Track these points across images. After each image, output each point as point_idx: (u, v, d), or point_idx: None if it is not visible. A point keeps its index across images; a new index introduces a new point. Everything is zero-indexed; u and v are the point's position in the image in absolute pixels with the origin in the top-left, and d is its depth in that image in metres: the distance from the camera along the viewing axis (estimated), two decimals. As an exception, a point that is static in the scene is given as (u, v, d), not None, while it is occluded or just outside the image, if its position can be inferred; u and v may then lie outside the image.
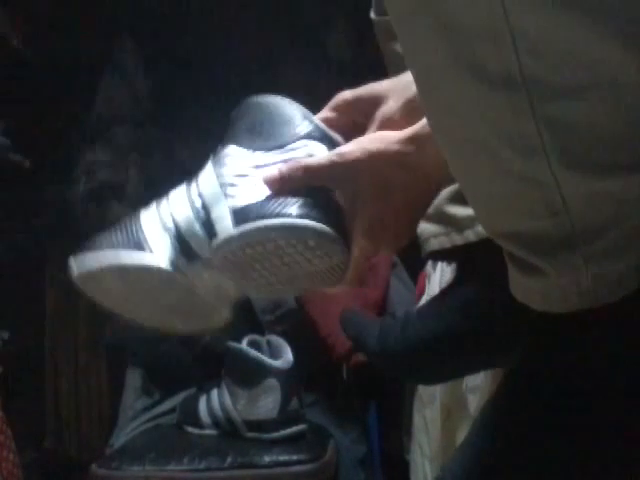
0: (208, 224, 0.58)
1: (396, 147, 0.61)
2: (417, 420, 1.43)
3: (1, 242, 1.88)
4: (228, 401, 1.36)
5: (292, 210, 0.56)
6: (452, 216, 0.85)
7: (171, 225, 0.60)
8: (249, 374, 1.33)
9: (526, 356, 0.61)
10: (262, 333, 1.47)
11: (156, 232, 0.60)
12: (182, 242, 0.59)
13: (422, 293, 1.42)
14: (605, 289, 0.48)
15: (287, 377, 1.31)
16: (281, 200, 0.57)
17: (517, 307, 0.58)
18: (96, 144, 2.00)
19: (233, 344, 1.37)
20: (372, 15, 0.89)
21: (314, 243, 0.57)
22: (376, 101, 0.66)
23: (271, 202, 0.57)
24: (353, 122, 0.67)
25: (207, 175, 0.62)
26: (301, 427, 1.33)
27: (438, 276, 1.30)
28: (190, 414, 1.43)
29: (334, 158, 0.60)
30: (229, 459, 1.28)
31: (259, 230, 0.55)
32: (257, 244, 0.55)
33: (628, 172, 0.45)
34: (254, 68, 2.17)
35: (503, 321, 0.83)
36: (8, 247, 1.90)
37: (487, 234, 0.58)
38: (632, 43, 0.42)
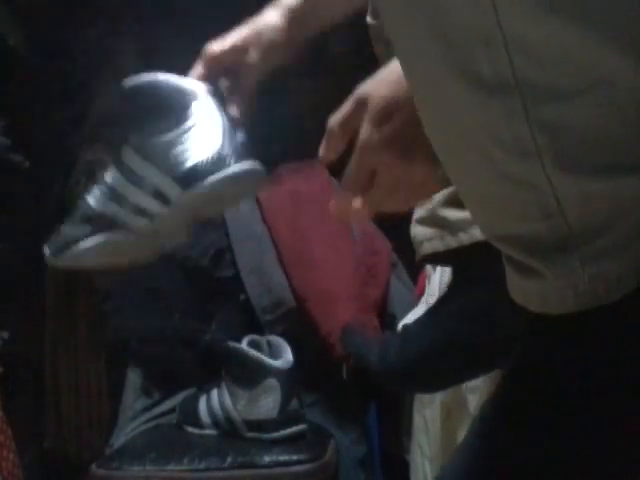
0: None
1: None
2: (417, 420, 1.43)
3: (1, 242, 1.88)
4: (228, 401, 1.36)
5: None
6: (446, 219, 0.85)
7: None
8: (249, 374, 1.33)
9: (525, 356, 0.61)
10: (262, 333, 1.47)
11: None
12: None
13: (422, 293, 1.42)
14: (602, 290, 0.48)
15: (287, 377, 1.31)
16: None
17: (514, 309, 0.58)
18: (96, 144, 2.00)
19: (233, 344, 1.37)
20: (368, 19, 0.89)
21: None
22: (238, 52, 0.76)
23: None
24: (224, 70, 0.75)
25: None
26: (301, 427, 1.33)
27: (438, 276, 1.30)
28: (190, 414, 1.43)
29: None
30: (229, 459, 1.28)
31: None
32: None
33: (622, 173, 0.45)
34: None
35: (501, 324, 0.83)
36: (8, 247, 1.90)
37: (485, 237, 0.58)
38: (628, 47, 0.42)
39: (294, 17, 0.76)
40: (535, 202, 0.48)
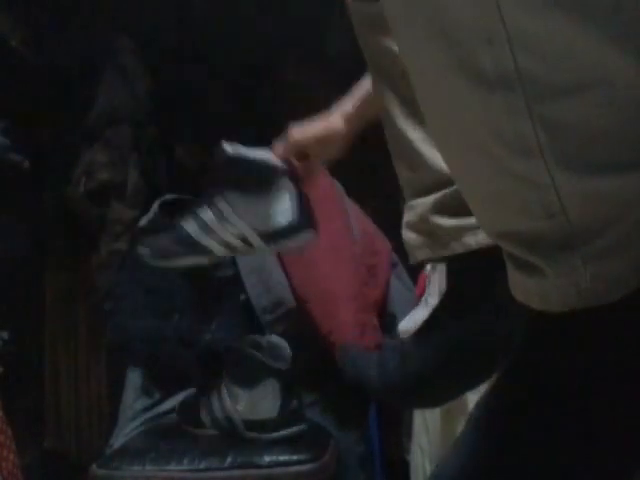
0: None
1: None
2: (417, 420, 1.43)
3: (1, 242, 1.88)
4: (228, 401, 1.36)
5: None
6: (437, 227, 0.84)
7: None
8: (249, 374, 1.33)
9: (523, 355, 0.61)
10: (262, 333, 1.47)
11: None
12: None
13: (422, 293, 1.42)
14: (604, 289, 0.48)
15: (287, 377, 1.31)
16: None
17: (513, 312, 0.58)
18: (96, 144, 2.00)
19: (233, 344, 1.37)
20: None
21: None
22: (313, 143, 0.99)
23: None
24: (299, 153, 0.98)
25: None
26: (301, 427, 1.33)
27: (438, 276, 1.30)
28: (190, 414, 1.43)
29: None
30: (229, 459, 1.28)
31: None
32: None
33: (624, 172, 0.45)
34: (254, 68, 2.17)
35: (499, 333, 0.82)
36: (8, 247, 1.90)
37: (486, 234, 0.58)
38: (629, 46, 0.42)
39: (351, 122, 0.97)
40: (537, 200, 0.48)
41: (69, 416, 2.10)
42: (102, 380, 2.10)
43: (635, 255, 0.47)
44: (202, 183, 1.09)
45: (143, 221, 1.68)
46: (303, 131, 1.01)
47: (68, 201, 2.01)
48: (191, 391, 1.51)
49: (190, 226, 0.97)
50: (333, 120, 0.99)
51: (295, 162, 0.99)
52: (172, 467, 1.28)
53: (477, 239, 0.81)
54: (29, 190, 2.02)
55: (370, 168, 1.83)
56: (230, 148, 0.99)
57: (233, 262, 1.56)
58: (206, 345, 1.53)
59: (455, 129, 0.52)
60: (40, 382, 2.10)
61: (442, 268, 1.24)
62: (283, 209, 0.96)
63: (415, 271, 1.53)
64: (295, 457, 1.27)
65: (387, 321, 1.56)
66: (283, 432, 1.31)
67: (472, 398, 1.14)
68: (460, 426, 1.21)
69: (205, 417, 1.41)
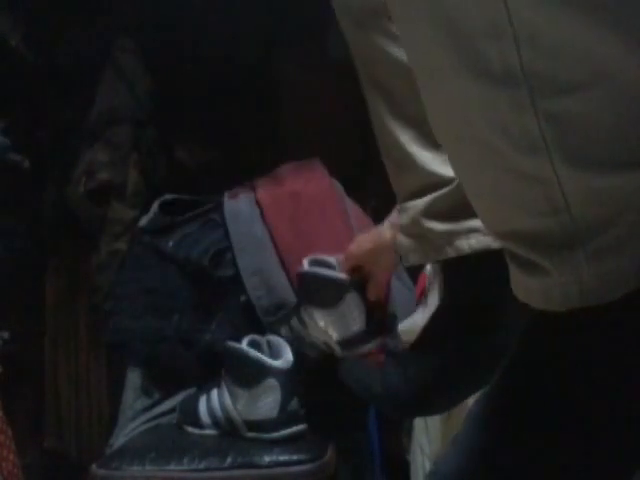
0: None
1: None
2: (417, 420, 1.43)
3: (1, 242, 1.88)
4: (228, 401, 1.36)
5: None
6: (430, 230, 0.84)
7: None
8: (249, 374, 1.33)
9: (522, 354, 0.61)
10: (263, 333, 1.47)
11: None
12: None
13: (422, 293, 1.42)
14: (606, 287, 0.48)
15: (287, 377, 1.31)
16: None
17: (513, 314, 0.58)
18: (96, 144, 2.00)
19: (233, 344, 1.37)
20: None
21: None
22: (369, 258, 1.09)
23: None
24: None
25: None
26: (301, 427, 1.32)
27: (438, 276, 1.30)
28: (190, 414, 1.43)
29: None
30: (229, 459, 1.28)
31: None
32: None
33: (629, 169, 0.45)
34: (254, 68, 2.17)
35: (500, 331, 0.82)
36: (8, 247, 1.90)
37: (488, 232, 0.58)
38: (634, 42, 0.42)
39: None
40: (541, 197, 0.48)
41: (69, 416, 2.10)
42: (102, 380, 2.10)
43: (638, 253, 0.47)
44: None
45: (143, 221, 1.68)
46: (358, 246, 1.12)
47: (68, 201, 2.01)
48: (191, 391, 1.51)
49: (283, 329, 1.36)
50: (383, 233, 1.06)
51: (358, 274, 1.13)
52: (172, 467, 1.28)
53: (470, 243, 0.81)
54: (29, 190, 2.02)
55: (370, 168, 1.83)
56: (307, 267, 1.24)
57: (233, 262, 1.56)
58: (206, 345, 1.53)
59: (459, 126, 0.52)
60: (40, 382, 2.10)
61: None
62: (353, 319, 1.16)
63: (415, 271, 1.53)
64: (295, 457, 1.27)
65: (387, 321, 1.56)
66: (283, 432, 1.31)
67: (472, 397, 1.14)
68: (459, 426, 1.21)
69: (205, 417, 1.41)
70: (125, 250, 1.90)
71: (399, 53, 0.81)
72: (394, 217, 1.01)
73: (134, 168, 2.01)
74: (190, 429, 1.42)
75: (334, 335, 1.19)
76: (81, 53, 2.00)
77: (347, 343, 1.19)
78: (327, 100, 2.04)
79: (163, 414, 1.53)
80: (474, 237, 0.80)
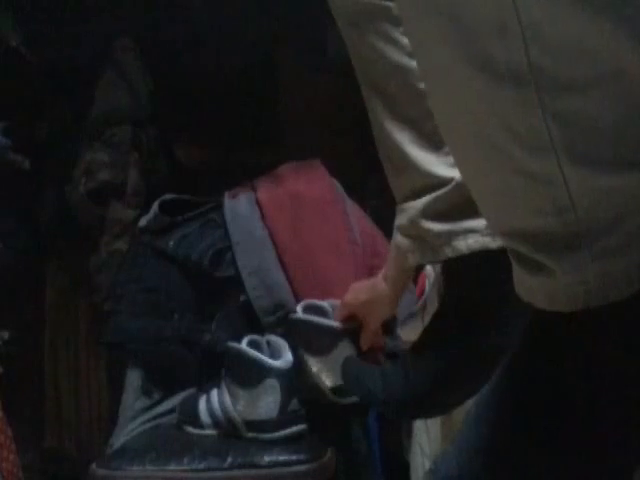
0: None
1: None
2: (417, 421, 1.43)
3: (1, 242, 1.88)
4: (228, 401, 1.36)
5: None
6: (428, 231, 0.83)
7: None
8: (249, 374, 1.33)
9: (522, 354, 0.61)
10: (262, 333, 1.47)
11: None
12: None
13: (422, 293, 1.42)
14: (611, 287, 0.48)
15: (287, 377, 1.31)
16: None
17: (513, 312, 0.58)
18: (96, 144, 2.00)
19: (233, 344, 1.37)
20: None
21: None
22: (364, 308, 1.15)
23: None
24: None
25: None
26: (301, 427, 1.32)
27: (438, 276, 1.30)
28: (190, 414, 1.43)
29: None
30: (229, 459, 1.28)
31: None
32: None
33: (636, 169, 0.45)
34: (254, 68, 2.17)
35: (500, 331, 0.82)
36: (8, 247, 1.90)
37: (493, 232, 0.58)
38: (638, 42, 0.42)
39: (394, 283, 1.07)
40: (547, 196, 0.48)
41: (69, 416, 2.10)
42: (102, 380, 2.10)
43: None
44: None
45: (143, 221, 1.68)
46: (354, 296, 1.16)
47: (68, 201, 2.01)
48: (191, 391, 1.51)
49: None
50: (378, 285, 1.09)
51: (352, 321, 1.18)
52: (172, 467, 1.28)
53: (468, 243, 0.81)
54: (29, 190, 2.02)
55: (370, 168, 1.83)
56: (300, 313, 1.28)
57: (233, 262, 1.56)
58: (206, 345, 1.53)
59: (465, 124, 0.52)
60: (40, 382, 2.10)
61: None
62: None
63: (415, 271, 1.53)
64: (295, 457, 1.27)
65: (387, 321, 1.56)
66: (283, 432, 1.31)
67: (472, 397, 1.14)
68: (459, 425, 1.21)
69: (205, 417, 1.40)
70: (125, 250, 1.90)
71: (396, 55, 0.81)
72: (388, 268, 1.05)
73: (134, 168, 2.01)
74: (190, 429, 1.42)
75: (327, 382, 1.25)
76: (81, 53, 2.00)
77: (340, 390, 1.24)
78: (327, 100, 2.04)
79: (163, 414, 1.53)
80: (472, 237, 0.80)
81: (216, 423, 1.39)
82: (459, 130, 0.53)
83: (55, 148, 2.10)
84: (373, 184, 1.90)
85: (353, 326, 1.21)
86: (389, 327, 1.52)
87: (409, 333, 1.33)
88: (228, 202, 1.63)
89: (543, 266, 0.50)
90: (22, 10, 1.96)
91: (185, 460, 1.29)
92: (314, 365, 1.26)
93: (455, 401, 0.95)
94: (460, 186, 0.79)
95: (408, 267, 0.99)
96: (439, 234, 0.82)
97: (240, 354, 1.34)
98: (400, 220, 0.87)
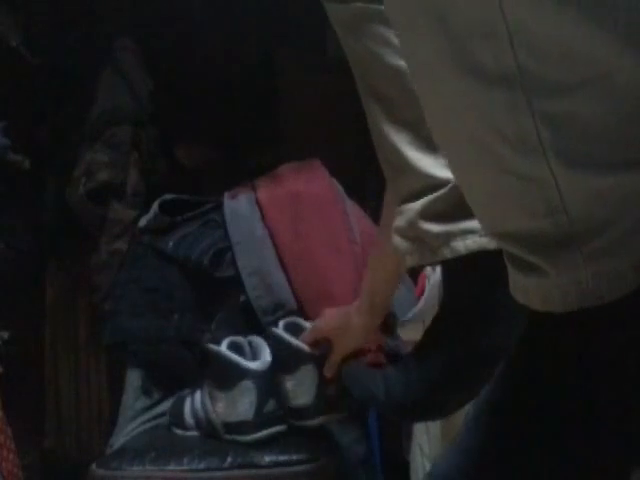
0: None
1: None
2: (417, 420, 1.43)
3: (1, 242, 1.88)
4: (208, 403, 1.35)
5: None
6: (426, 232, 0.83)
7: None
8: (226, 376, 1.31)
9: (521, 355, 0.61)
10: (263, 333, 1.47)
11: None
12: None
13: (422, 293, 1.42)
14: (605, 288, 0.48)
15: (263, 379, 1.29)
16: None
17: (513, 312, 0.58)
18: (96, 144, 2.00)
19: (211, 346, 1.36)
20: None
21: None
22: (336, 332, 1.14)
23: None
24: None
25: None
26: (278, 429, 1.30)
27: (438, 276, 1.30)
28: (176, 415, 1.44)
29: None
30: (229, 459, 1.28)
31: None
32: None
33: (624, 169, 0.45)
34: (254, 68, 2.17)
35: (500, 332, 0.82)
36: (8, 247, 1.90)
37: (486, 234, 0.58)
38: (628, 42, 0.42)
39: (368, 313, 1.07)
40: (538, 197, 0.48)
41: (69, 416, 2.10)
42: (102, 380, 2.10)
43: (635, 253, 0.47)
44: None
45: (143, 221, 1.68)
46: (325, 321, 1.17)
47: (68, 201, 2.01)
48: (182, 392, 1.51)
49: None
50: (351, 317, 1.09)
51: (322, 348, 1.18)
52: (172, 467, 1.28)
53: (466, 244, 0.81)
54: (29, 190, 2.02)
55: (370, 168, 1.83)
56: (281, 328, 1.28)
57: (233, 262, 1.56)
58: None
59: (456, 127, 0.52)
60: (40, 382, 2.10)
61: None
62: (302, 392, 1.23)
63: (415, 271, 1.53)
64: (295, 457, 1.27)
65: (387, 321, 1.56)
66: (260, 434, 1.29)
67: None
68: (459, 425, 1.21)
69: (189, 418, 1.41)
70: (125, 250, 1.90)
71: (393, 58, 0.82)
72: (363, 298, 1.07)
73: (134, 168, 2.01)
74: (177, 430, 1.42)
75: (291, 402, 1.27)
76: (81, 53, 2.00)
77: (295, 413, 1.27)
78: (327, 100, 2.04)
79: (163, 414, 1.53)
80: (470, 238, 0.80)
81: (198, 424, 1.39)
82: (450, 132, 0.53)
83: (55, 148, 2.10)
84: (373, 184, 1.90)
85: (320, 353, 1.21)
86: (389, 327, 1.52)
87: (409, 333, 1.33)
88: (228, 202, 1.63)
89: (536, 267, 0.51)
90: (22, 10, 1.96)
91: (185, 460, 1.28)
92: (282, 382, 1.27)
93: (456, 403, 0.95)
94: (458, 187, 0.79)
95: (405, 268, 0.98)
96: (437, 235, 0.82)
97: (217, 356, 1.33)
98: (398, 222, 0.87)
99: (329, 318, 1.17)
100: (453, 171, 0.58)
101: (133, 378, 1.61)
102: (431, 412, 0.99)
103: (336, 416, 1.31)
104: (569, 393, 0.55)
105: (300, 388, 1.27)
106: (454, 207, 0.80)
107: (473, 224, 0.79)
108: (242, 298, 1.54)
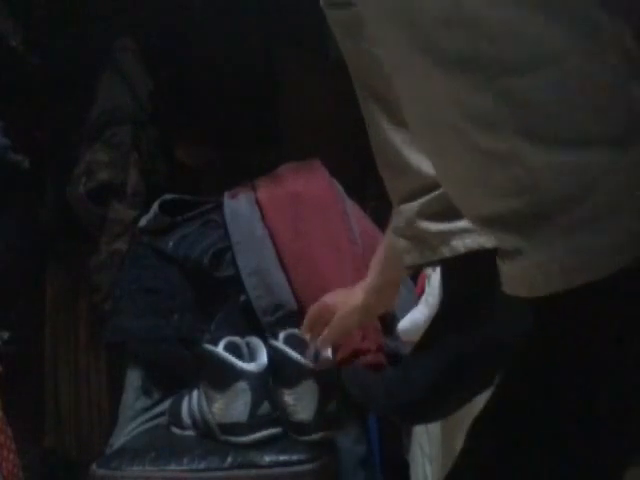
0: None
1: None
2: (417, 420, 1.43)
3: (1, 242, 1.88)
4: (204, 403, 1.35)
5: None
6: (425, 231, 0.83)
7: None
8: (221, 377, 1.31)
9: (521, 356, 0.61)
10: (263, 334, 1.47)
11: None
12: None
13: (422, 293, 1.42)
14: (587, 265, 0.48)
15: (258, 380, 1.29)
16: None
17: (513, 311, 0.58)
18: (96, 144, 2.00)
19: (207, 346, 1.36)
20: (322, 2, 0.88)
21: None
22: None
23: None
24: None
25: None
26: (273, 431, 1.30)
27: (438, 276, 1.30)
28: (174, 415, 1.44)
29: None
30: (229, 459, 1.28)
31: None
32: None
33: (584, 146, 0.46)
34: (254, 68, 2.17)
35: (500, 333, 0.82)
36: (8, 247, 1.90)
37: (468, 220, 0.59)
38: (575, 29, 0.46)
39: (371, 302, 1.06)
40: (507, 177, 0.49)
41: (69, 416, 2.10)
42: (102, 380, 2.10)
43: (611, 228, 0.47)
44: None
45: (143, 221, 1.68)
46: (331, 296, 1.16)
47: (68, 201, 2.01)
48: (181, 392, 1.51)
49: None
50: (355, 292, 1.08)
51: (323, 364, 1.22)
52: (172, 467, 1.28)
53: (465, 243, 0.81)
54: (29, 190, 2.02)
55: (370, 168, 1.83)
56: (281, 341, 1.30)
57: (233, 262, 1.56)
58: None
59: (426, 110, 0.54)
60: (40, 382, 2.10)
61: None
62: (302, 407, 1.25)
63: (415, 271, 1.53)
64: (295, 457, 1.27)
65: (387, 321, 1.56)
66: (254, 436, 1.29)
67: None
68: (460, 426, 1.21)
69: (186, 418, 1.41)
70: (125, 250, 1.90)
71: None
72: (369, 279, 1.06)
73: (134, 168, 2.01)
74: (175, 429, 1.43)
75: (292, 417, 1.27)
76: (81, 53, 2.00)
77: (295, 428, 1.28)
78: (327, 100, 2.04)
79: (163, 414, 1.53)
80: (469, 237, 0.80)
81: (194, 424, 1.39)
82: (421, 116, 0.55)
83: (55, 148, 2.10)
84: (372, 185, 1.91)
85: (322, 368, 1.22)
86: (389, 327, 1.52)
87: (407, 334, 1.33)
88: (228, 202, 1.63)
89: (517, 250, 0.51)
90: (22, 10, 1.96)
91: (185, 460, 1.29)
92: (284, 395, 1.28)
93: (456, 403, 0.95)
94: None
95: (404, 269, 0.98)
96: (436, 234, 0.82)
97: (212, 357, 1.32)
98: (397, 222, 0.87)
99: (333, 294, 1.17)
100: (429, 157, 0.60)
101: (133, 378, 1.61)
102: (431, 412, 0.99)
103: (336, 432, 1.32)
104: (569, 393, 0.55)
105: (300, 403, 1.27)
106: (453, 206, 0.80)
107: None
108: (242, 298, 1.54)
